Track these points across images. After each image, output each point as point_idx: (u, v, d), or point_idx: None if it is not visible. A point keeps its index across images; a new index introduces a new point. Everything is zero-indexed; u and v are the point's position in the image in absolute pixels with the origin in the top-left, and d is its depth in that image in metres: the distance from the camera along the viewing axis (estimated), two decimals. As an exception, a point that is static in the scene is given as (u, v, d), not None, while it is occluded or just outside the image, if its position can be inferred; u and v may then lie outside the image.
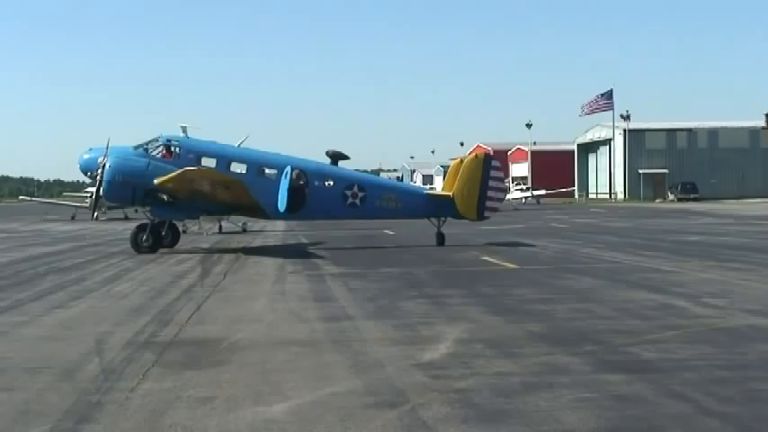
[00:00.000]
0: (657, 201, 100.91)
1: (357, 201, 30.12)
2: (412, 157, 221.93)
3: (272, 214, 30.21)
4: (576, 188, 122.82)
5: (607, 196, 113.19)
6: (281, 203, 29.12)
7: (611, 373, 9.71)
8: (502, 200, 34.16)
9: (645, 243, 31.03)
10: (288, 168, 29.52)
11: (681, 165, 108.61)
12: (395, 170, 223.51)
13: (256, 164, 30.03)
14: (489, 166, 31.12)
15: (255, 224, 43.17)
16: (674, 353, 10.89)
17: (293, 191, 29.33)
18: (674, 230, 39.45)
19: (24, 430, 7.88)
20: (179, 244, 30.88)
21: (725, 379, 9.47)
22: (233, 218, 37.35)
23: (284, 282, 20.14)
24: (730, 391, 8.92)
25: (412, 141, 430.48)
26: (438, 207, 30.99)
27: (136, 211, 41.18)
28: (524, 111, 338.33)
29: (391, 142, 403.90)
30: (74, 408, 8.57)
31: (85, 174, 31.67)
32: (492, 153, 39.27)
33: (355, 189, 30.18)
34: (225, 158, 29.78)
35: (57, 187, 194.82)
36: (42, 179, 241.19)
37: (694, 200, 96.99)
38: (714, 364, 10.17)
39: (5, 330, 13.40)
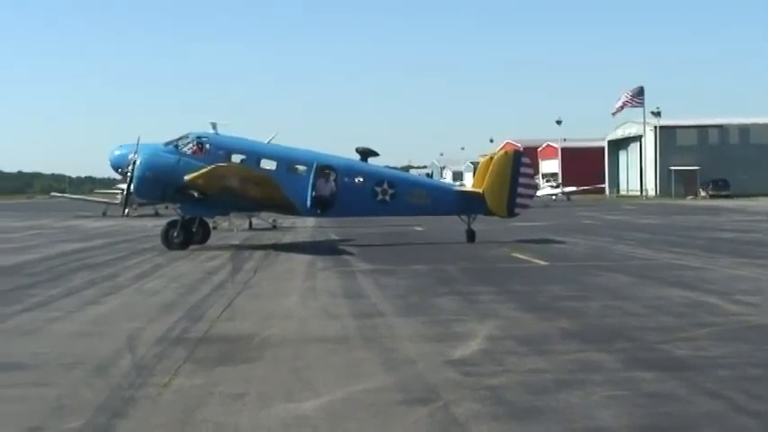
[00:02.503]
0: (689, 198, 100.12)
1: (387, 197, 30.08)
2: (441, 154, 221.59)
3: (303, 211, 30.25)
4: (606, 185, 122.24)
5: (638, 193, 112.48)
6: (308, 200, 29.26)
7: (643, 371, 9.67)
8: (532, 196, 34.02)
9: (676, 240, 30.86)
10: (315, 165, 29.66)
11: (712, 161, 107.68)
12: (424, 167, 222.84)
13: (286, 160, 30.05)
14: (519, 162, 31.02)
15: (285, 220, 43.23)
16: (707, 350, 10.83)
17: (322, 188, 29.49)
18: (706, 227, 39.24)
19: (59, 425, 7.93)
20: (209, 240, 30.93)
21: (758, 377, 9.41)
22: (263, 214, 37.45)
23: (315, 278, 20.16)
24: (764, 388, 8.87)
25: (441, 138, 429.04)
26: (468, 204, 30.91)
27: (166, 207, 41.41)
28: (554, 107, 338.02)
29: (421, 139, 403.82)
30: (107, 403, 8.62)
31: (116, 170, 31.85)
32: (522, 149, 39.06)
33: (385, 186, 30.14)
34: (255, 155, 29.80)
35: (88, 184, 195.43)
36: (74, 176, 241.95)
37: (726, 197, 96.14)
38: (747, 362, 10.11)
39: (39, 326, 13.49)
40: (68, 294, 17.39)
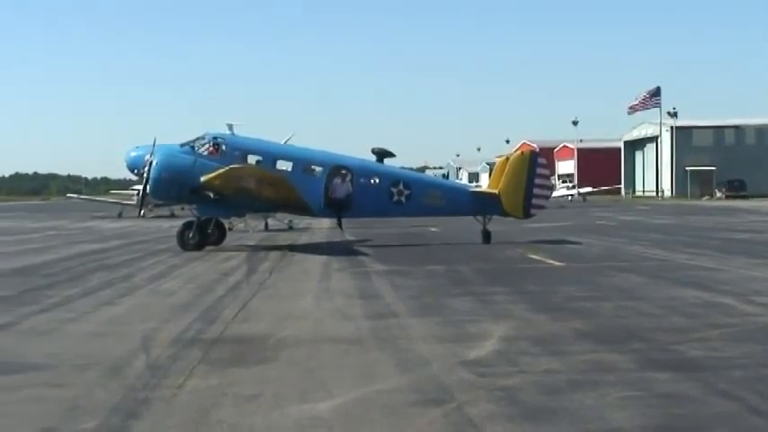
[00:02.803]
0: (704, 198, 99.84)
1: (403, 198, 30.06)
2: (458, 155, 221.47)
3: (318, 212, 30.27)
4: (622, 186, 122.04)
5: (654, 194, 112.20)
6: (323, 201, 29.31)
7: (657, 372, 9.66)
8: (548, 197, 34.00)
9: (691, 241, 30.80)
10: (330, 165, 29.71)
11: (728, 162, 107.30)
12: (440, 167, 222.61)
13: (302, 161, 30.06)
14: (535, 163, 30.97)
15: (301, 221, 43.26)
16: (721, 351, 10.81)
17: (338, 189, 29.52)
18: (720, 228, 39.15)
19: (73, 426, 7.96)
20: (225, 241, 30.99)
21: (773, 378, 9.39)
22: (279, 215, 37.49)
23: (330, 279, 20.18)
24: (778, 390, 8.85)
25: (457, 139, 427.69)
26: (483, 205, 30.87)
27: (182, 208, 41.47)
28: (571, 108, 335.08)
29: (437, 140, 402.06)
30: (121, 404, 8.66)
31: (132, 171, 31.85)
32: (538, 150, 38.99)
33: (401, 186, 30.13)
34: (271, 156, 29.84)
35: (103, 185, 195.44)
36: (90, 177, 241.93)
37: (742, 197, 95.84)
38: (762, 363, 10.09)
39: (55, 327, 13.54)
40: (85, 295, 17.45)
